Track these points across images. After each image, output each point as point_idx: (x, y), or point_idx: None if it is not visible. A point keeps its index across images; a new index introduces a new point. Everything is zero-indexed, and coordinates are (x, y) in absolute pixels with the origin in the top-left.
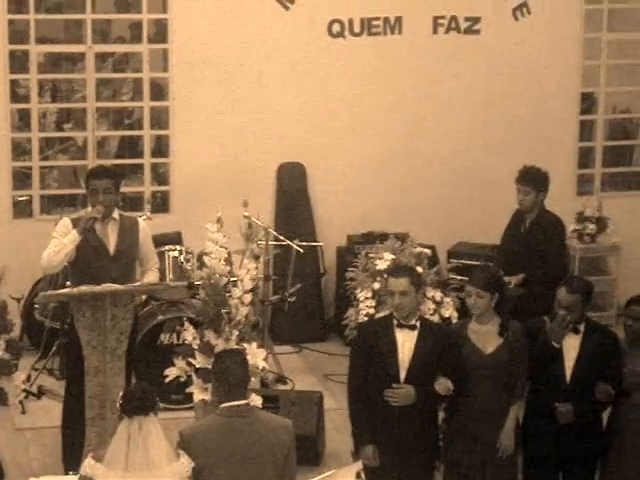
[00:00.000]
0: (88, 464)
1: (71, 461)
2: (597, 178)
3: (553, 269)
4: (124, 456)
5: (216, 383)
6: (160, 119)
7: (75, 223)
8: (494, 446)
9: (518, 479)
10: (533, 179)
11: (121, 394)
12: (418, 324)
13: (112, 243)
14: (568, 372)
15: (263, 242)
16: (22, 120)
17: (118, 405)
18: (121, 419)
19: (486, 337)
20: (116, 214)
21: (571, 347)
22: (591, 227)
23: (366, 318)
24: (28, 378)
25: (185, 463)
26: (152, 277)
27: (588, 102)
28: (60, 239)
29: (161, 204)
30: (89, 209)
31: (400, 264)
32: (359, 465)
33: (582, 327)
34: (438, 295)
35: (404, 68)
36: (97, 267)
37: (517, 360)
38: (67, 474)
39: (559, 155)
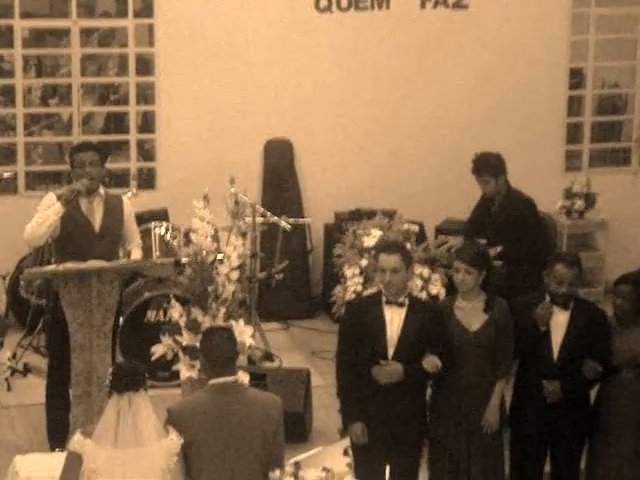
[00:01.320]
0: (77, 440)
1: (57, 438)
2: (585, 154)
3: (532, 247)
4: (113, 432)
5: (204, 360)
6: (146, 95)
7: (60, 197)
8: (479, 422)
9: (503, 455)
10: (487, 168)
11: (110, 370)
12: (407, 301)
13: (98, 220)
14: (556, 349)
15: (250, 219)
16: (6, 95)
17: (108, 381)
18: (110, 395)
19: (472, 314)
20: (102, 190)
21: (559, 324)
22: (579, 203)
23: (354, 295)
24: (14, 355)
25: (174, 439)
26: (136, 255)
27: (577, 77)
28: (44, 212)
29: (147, 180)
30: (74, 183)
31: (390, 240)
32: (347, 442)
33: (571, 304)
34: (426, 272)
35: (392, 43)
36: (82, 244)
37: (503, 337)
38: (53, 451)
39: (547, 131)
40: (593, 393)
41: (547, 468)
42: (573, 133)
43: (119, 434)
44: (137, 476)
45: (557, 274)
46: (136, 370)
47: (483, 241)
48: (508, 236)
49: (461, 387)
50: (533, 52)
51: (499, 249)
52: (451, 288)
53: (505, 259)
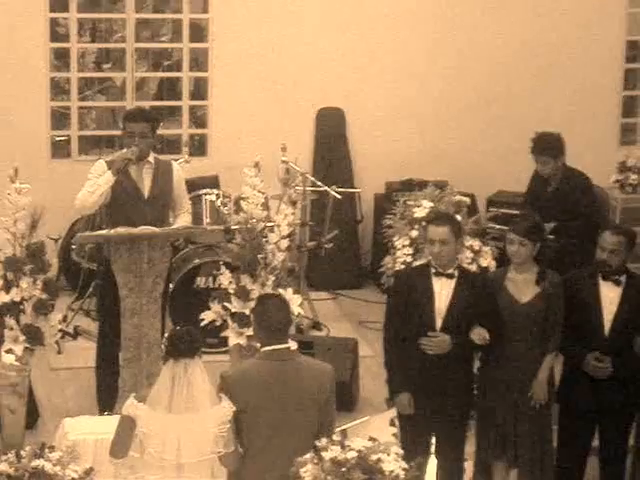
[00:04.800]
0: (131, 404)
1: (106, 402)
2: None
3: (588, 222)
4: (168, 397)
5: (257, 326)
6: (199, 61)
7: (110, 165)
8: (527, 396)
9: (552, 429)
10: (548, 148)
11: (166, 336)
12: (456, 273)
13: (147, 187)
14: (607, 325)
15: (301, 188)
16: (61, 59)
17: (163, 347)
18: (166, 361)
19: (523, 286)
20: (151, 157)
21: (611, 299)
22: (633, 177)
23: (403, 266)
24: (64, 318)
25: (227, 407)
26: (184, 221)
27: (633, 50)
28: (95, 180)
29: (199, 147)
30: (124, 150)
31: (440, 212)
32: (393, 412)
33: (623, 279)
34: (476, 244)
35: (445, 13)
36: (131, 210)
37: (553, 310)
38: (102, 414)
39: (603, 104)
40: None
41: (595, 443)
42: (629, 106)
43: (174, 399)
44: (189, 441)
45: (602, 240)
46: (192, 336)
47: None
48: (563, 213)
49: (510, 360)
50: (589, 24)
51: (553, 225)
52: (502, 261)
53: (558, 235)
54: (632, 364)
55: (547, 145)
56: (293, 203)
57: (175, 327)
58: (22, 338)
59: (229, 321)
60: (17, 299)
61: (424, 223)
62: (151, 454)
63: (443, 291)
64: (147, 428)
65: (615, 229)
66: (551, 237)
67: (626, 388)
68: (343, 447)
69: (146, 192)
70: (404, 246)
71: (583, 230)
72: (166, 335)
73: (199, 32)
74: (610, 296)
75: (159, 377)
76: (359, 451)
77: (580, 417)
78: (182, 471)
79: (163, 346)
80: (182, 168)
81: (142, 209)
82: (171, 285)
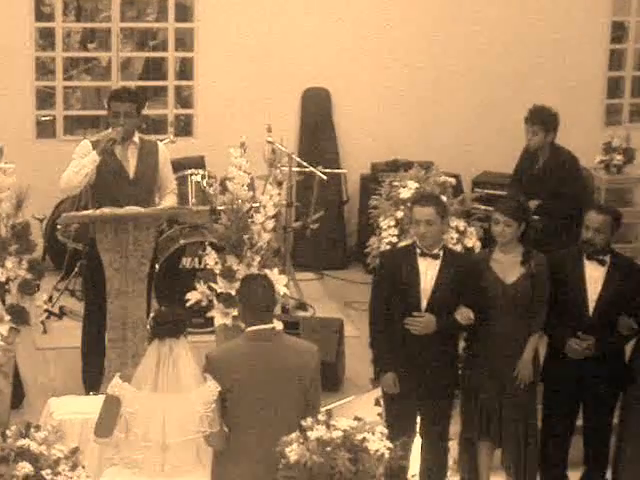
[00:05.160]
0: (116, 383)
1: (92, 382)
2: (626, 108)
3: (573, 203)
4: (153, 377)
5: (242, 307)
6: (185, 41)
7: (95, 145)
8: (512, 375)
9: (536, 409)
10: (542, 119)
11: (152, 316)
12: (441, 253)
13: (132, 166)
14: (591, 304)
15: (286, 168)
16: (46, 39)
17: (149, 327)
18: (151, 341)
19: (508, 267)
20: (136, 137)
21: (595, 279)
22: (618, 158)
23: (388, 247)
24: (50, 298)
25: (212, 386)
26: (170, 201)
27: (619, 31)
28: (80, 160)
29: (185, 127)
30: (109, 130)
31: (426, 192)
32: (378, 392)
33: (607, 259)
34: (462, 225)
35: None
36: (117, 190)
37: (538, 291)
38: (88, 394)
39: (588, 84)
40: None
41: (579, 422)
42: (614, 87)
43: (159, 379)
44: (174, 421)
45: (586, 219)
46: (177, 316)
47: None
48: (549, 191)
49: (495, 339)
50: (575, 4)
51: (537, 203)
52: (487, 241)
53: (543, 213)
54: (616, 343)
55: (541, 116)
56: (279, 184)
57: (160, 307)
58: (7, 318)
59: (215, 301)
60: (2, 279)
61: (409, 204)
62: (136, 434)
63: (428, 271)
64: (132, 408)
65: (600, 208)
66: (536, 217)
67: (610, 367)
68: (328, 427)
69: (131, 172)
70: (390, 227)
71: (568, 210)
72: (151, 315)
73: (185, 12)
74: (594, 276)
75: (144, 357)
76: (344, 431)
77: (564, 396)
78: (167, 451)
79: (148, 326)
80: (168, 148)
81: (127, 189)
82: (157, 265)
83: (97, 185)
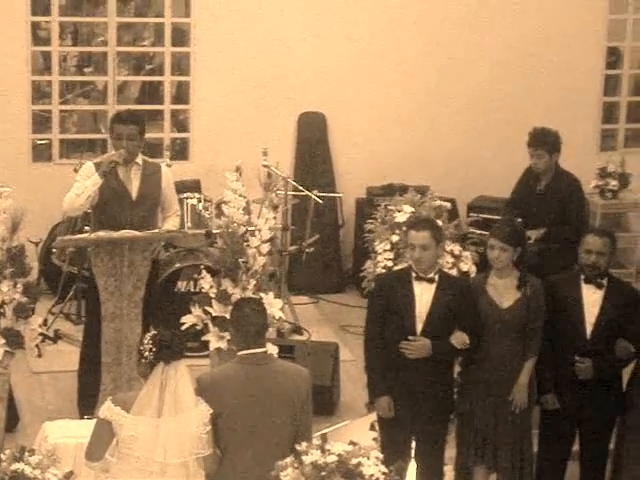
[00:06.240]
0: (108, 407)
1: (86, 405)
2: (621, 133)
3: (576, 228)
4: (157, 401)
5: (234, 331)
6: (181, 65)
7: (98, 167)
8: (508, 400)
9: (531, 434)
10: (545, 141)
11: (148, 342)
12: (437, 277)
13: (134, 188)
14: (589, 328)
15: (282, 192)
16: (43, 63)
17: (150, 353)
18: (153, 366)
19: (504, 291)
20: (139, 159)
21: (593, 302)
22: (613, 183)
23: (384, 270)
24: (45, 322)
25: (204, 410)
26: (172, 224)
27: (613, 56)
28: (82, 182)
29: (180, 151)
30: (112, 152)
31: (421, 217)
32: (373, 416)
33: (605, 282)
34: (457, 249)
35: (429, 17)
36: (119, 212)
37: (534, 315)
38: (82, 418)
39: (583, 110)
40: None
41: (575, 447)
42: (609, 112)
43: (164, 403)
44: (174, 443)
45: (586, 243)
46: (177, 339)
47: (519, 219)
48: (552, 214)
49: (490, 364)
50: (570, 30)
51: (542, 231)
52: (482, 265)
53: (549, 241)
54: (613, 367)
55: (544, 139)
56: (274, 207)
57: (159, 331)
58: (2, 341)
59: (210, 325)
60: None
61: (405, 228)
62: (139, 458)
63: (424, 295)
64: (134, 432)
65: (599, 232)
66: (531, 241)
67: (607, 392)
68: (323, 451)
69: (134, 194)
70: (385, 250)
71: (571, 235)
72: (147, 340)
73: (181, 36)
74: (592, 299)
75: (147, 383)
76: (339, 455)
77: (561, 420)
78: (163, 474)
79: (151, 352)
80: (169, 169)
81: (129, 211)
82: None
83: (99, 207)
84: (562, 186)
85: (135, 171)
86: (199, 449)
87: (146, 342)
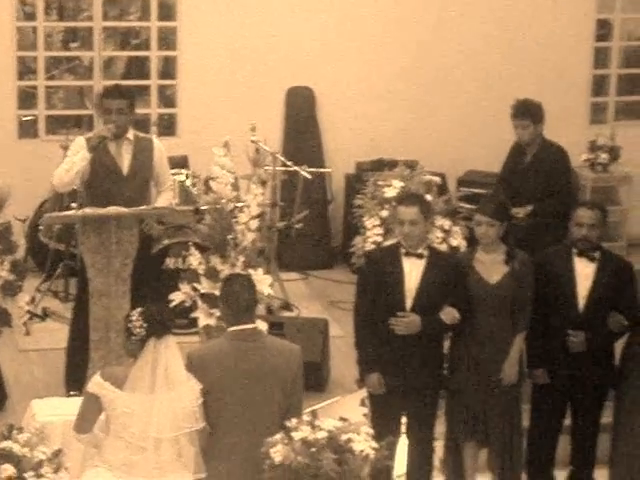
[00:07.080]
0: (97, 382)
1: (73, 383)
2: (611, 106)
3: (563, 201)
4: (150, 377)
5: (224, 307)
6: (168, 40)
7: (89, 142)
8: (498, 375)
9: (521, 408)
10: (529, 111)
11: (137, 318)
12: (426, 253)
13: (125, 163)
14: (581, 301)
15: (270, 168)
16: (28, 39)
17: (141, 329)
18: (145, 341)
19: (492, 266)
20: (130, 134)
21: (585, 275)
22: (603, 156)
23: (373, 246)
24: (32, 300)
25: (194, 385)
26: (165, 197)
27: (603, 29)
28: (72, 157)
29: (168, 127)
30: (101, 127)
31: (409, 192)
32: (363, 392)
33: (597, 255)
34: (447, 224)
35: None
36: (110, 188)
37: (522, 290)
38: (69, 396)
39: (573, 83)
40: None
41: (567, 422)
42: (599, 85)
43: (156, 378)
44: (167, 418)
45: (577, 217)
46: (167, 313)
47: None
48: (540, 187)
49: (480, 339)
50: (560, 2)
51: (530, 208)
52: (472, 240)
53: (537, 216)
54: (605, 340)
55: (528, 109)
56: (263, 183)
57: (147, 306)
58: None
59: (199, 302)
60: None
61: (394, 203)
62: (134, 434)
63: (413, 271)
64: (129, 409)
65: (590, 204)
66: (529, 220)
67: (599, 366)
68: (313, 427)
69: (125, 169)
70: (374, 226)
71: (559, 208)
72: (135, 317)
73: (167, 10)
74: (585, 272)
75: (139, 359)
76: (329, 431)
77: (553, 395)
78: (156, 449)
79: (140, 328)
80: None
81: (121, 186)
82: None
83: (91, 183)
84: (549, 157)
85: (126, 146)
86: (192, 423)
87: (134, 319)
